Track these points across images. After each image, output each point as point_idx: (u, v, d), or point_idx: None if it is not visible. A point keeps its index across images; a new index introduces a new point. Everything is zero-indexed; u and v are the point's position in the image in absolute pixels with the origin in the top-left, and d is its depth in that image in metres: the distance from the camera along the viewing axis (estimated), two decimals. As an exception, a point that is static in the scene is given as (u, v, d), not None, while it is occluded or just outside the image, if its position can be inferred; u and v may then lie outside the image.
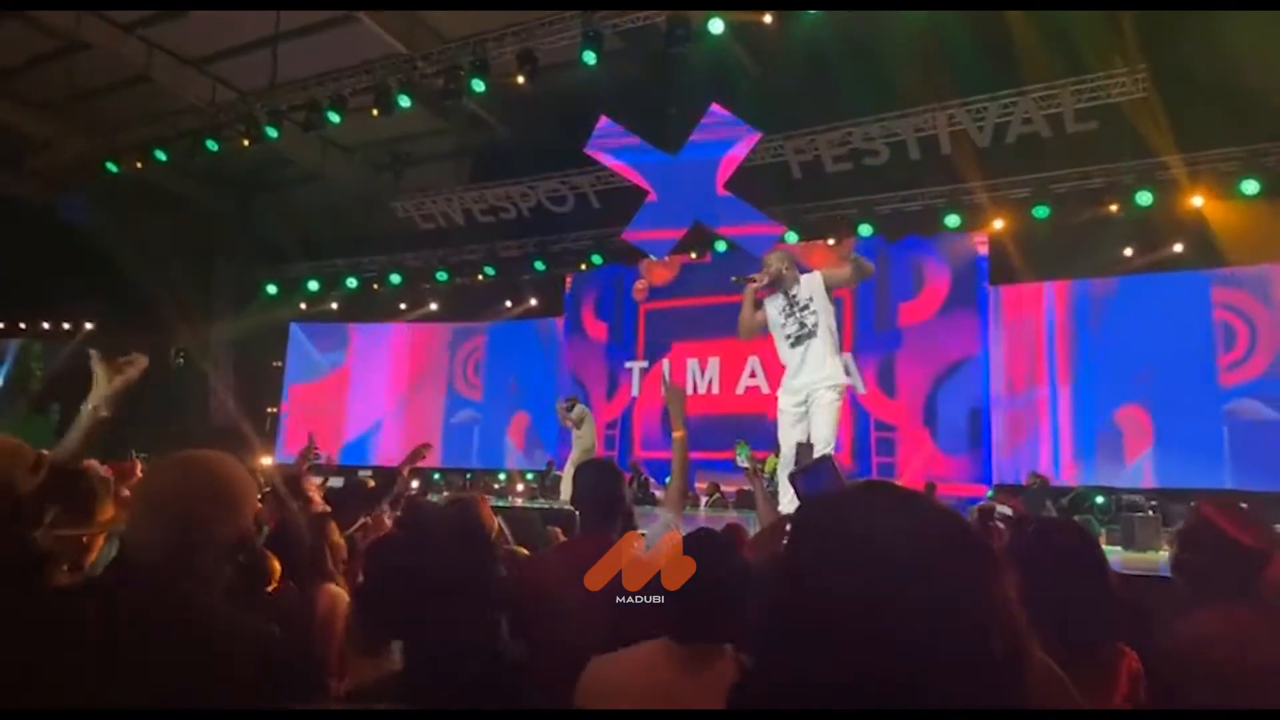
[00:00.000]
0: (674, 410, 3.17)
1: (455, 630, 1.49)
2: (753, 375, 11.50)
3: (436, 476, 12.25)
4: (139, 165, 11.24)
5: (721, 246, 10.95)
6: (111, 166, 11.36)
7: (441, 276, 12.96)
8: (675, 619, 1.88)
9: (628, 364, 12.76)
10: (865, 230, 10.73)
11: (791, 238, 10.46)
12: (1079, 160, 9.72)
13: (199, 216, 13.48)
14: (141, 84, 11.36)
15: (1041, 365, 10.74)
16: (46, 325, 14.73)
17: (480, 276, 12.83)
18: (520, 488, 11.18)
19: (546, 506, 8.87)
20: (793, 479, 2.45)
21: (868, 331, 11.52)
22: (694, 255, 11.47)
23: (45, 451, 2.02)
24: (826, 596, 0.73)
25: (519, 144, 12.01)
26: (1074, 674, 1.65)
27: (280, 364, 14.28)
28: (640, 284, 12.77)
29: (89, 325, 14.49)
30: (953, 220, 10.38)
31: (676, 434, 3.11)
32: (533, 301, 13.38)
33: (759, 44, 9.58)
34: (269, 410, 13.89)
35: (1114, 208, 9.63)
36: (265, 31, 10.11)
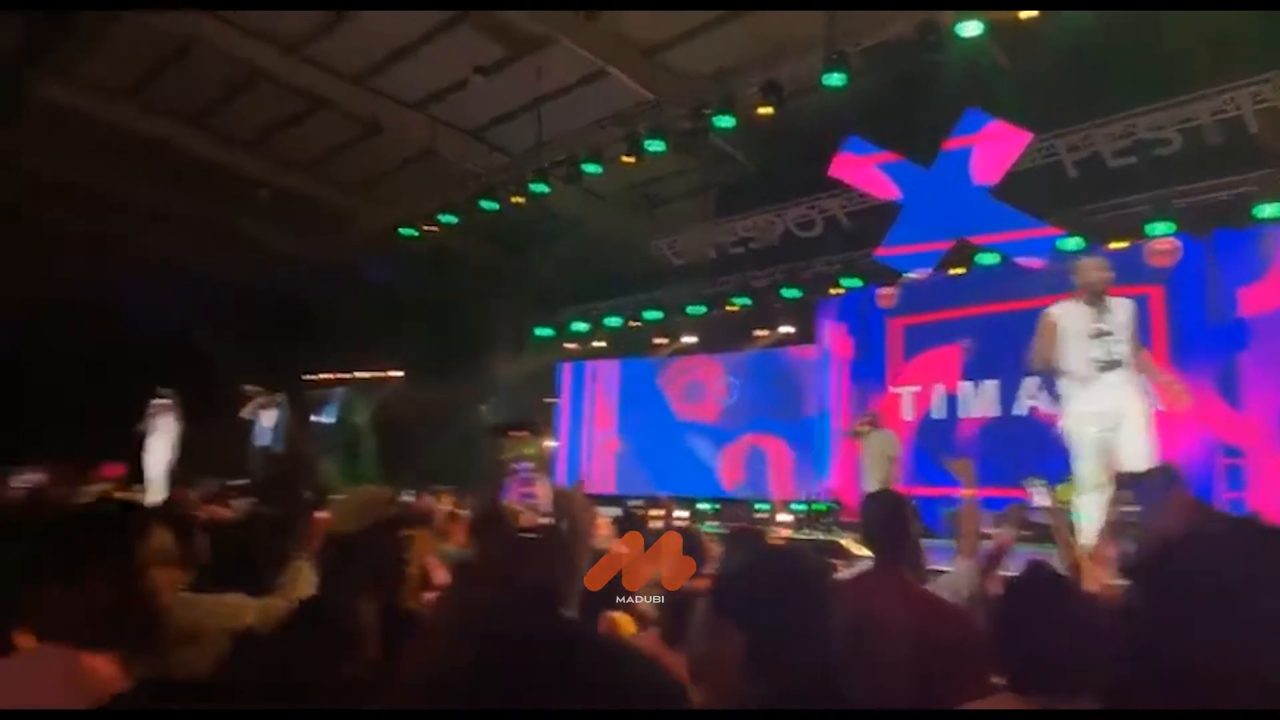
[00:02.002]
0: (964, 477, 3.38)
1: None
2: (1031, 395, 10.54)
3: (703, 506, 12.42)
4: (430, 229, 12.61)
5: (987, 259, 10.23)
6: (408, 232, 12.85)
7: (695, 310, 13.28)
8: (1018, 669, 1.76)
9: (893, 389, 12.18)
10: (1163, 229, 9.42)
11: (1075, 244, 9.48)
12: None
13: (479, 270, 14.90)
14: (428, 156, 12.84)
15: None
16: (363, 375, 16.93)
17: (732, 307, 13.01)
18: (786, 518, 11.06)
19: (816, 538, 8.70)
20: (1128, 492, 2.28)
21: (1198, 327, 9.56)
22: (956, 271, 10.82)
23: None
24: (1183, 641, 0.65)
25: (764, 174, 12.09)
26: None
27: (554, 401, 15.33)
28: (887, 291, 11.93)
29: (392, 374, 16.45)
30: (1269, 210, 8.94)
31: (967, 494, 3.32)
32: (785, 329, 13.34)
33: (1014, 40, 8.94)
34: (547, 445, 14.91)
35: None
36: (529, 98, 11.05)
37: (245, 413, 12.05)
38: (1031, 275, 9.32)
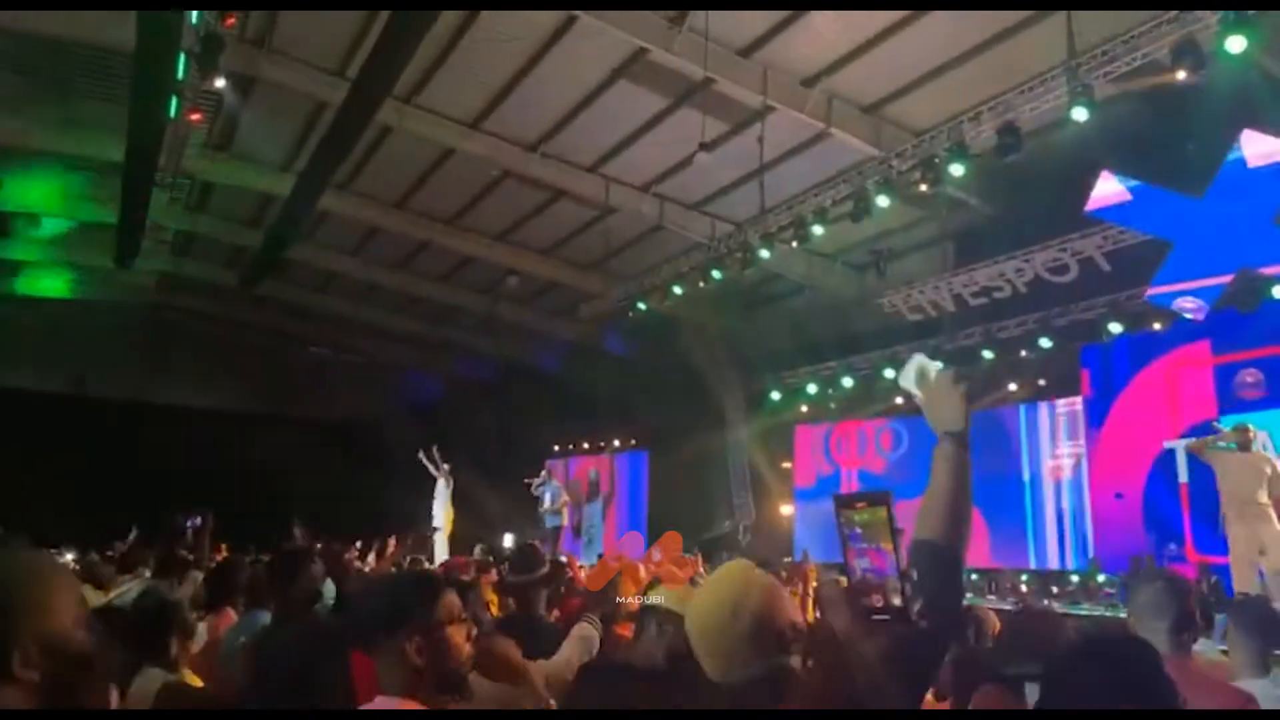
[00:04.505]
0: None
1: None
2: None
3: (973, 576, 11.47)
4: (662, 301, 13.04)
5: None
6: (641, 305, 13.37)
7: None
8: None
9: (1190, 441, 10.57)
10: None
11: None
12: None
13: (709, 336, 15.17)
14: (657, 231, 13.38)
15: None
16: (601, 444, 17.66)
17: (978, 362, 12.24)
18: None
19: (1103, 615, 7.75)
20: None
21: None
22: (1243, 309, 9.54)
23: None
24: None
25: (1005, 219, 11.39)
26: None
27: (789, 465, 15.07)
28: (1191, 302, 9.68)
29: (632, 441, 17.03)
30: None
31: None
32: (1040, 382, 12.34)
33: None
34: (783, 510, 14.65)
35: None
36: (751, 167, 11.24)
37: (534, 489, 13.95)
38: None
